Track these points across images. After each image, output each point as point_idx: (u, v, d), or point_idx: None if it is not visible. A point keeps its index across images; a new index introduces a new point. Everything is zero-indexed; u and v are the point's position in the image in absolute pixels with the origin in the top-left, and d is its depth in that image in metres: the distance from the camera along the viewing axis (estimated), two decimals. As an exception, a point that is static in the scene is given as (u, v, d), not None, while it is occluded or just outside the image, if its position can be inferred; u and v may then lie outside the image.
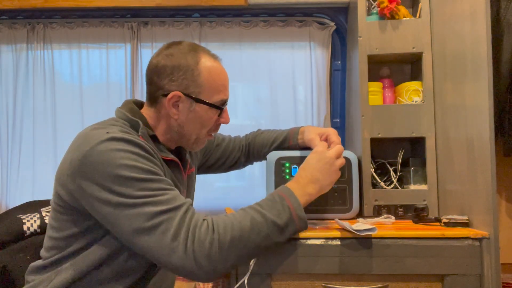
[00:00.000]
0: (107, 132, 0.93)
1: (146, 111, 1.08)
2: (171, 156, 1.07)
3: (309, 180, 1.03)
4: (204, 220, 0.91)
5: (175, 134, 1.08)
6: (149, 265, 1.01)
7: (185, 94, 1.03)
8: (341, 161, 1.08)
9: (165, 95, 1.03)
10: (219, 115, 1.09)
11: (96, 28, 1.84)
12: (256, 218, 0.92)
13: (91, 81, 1.87)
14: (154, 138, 1.05)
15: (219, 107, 1.07)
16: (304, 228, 0.98)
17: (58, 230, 0.98)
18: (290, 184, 1.03)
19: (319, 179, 1.04)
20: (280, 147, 1.32)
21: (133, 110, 1.07)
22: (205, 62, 1.05)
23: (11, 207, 1.54)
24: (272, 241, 0.94)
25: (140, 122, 1.02)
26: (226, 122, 1.12)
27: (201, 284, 1.60)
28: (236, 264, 0.93)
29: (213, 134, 1.15)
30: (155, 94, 1.05)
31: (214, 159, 1.37)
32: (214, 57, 1.08)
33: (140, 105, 1.12)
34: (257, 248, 0.92)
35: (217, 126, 1.12)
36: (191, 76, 1.03)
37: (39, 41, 1.83)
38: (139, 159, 0.91)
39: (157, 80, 1.04)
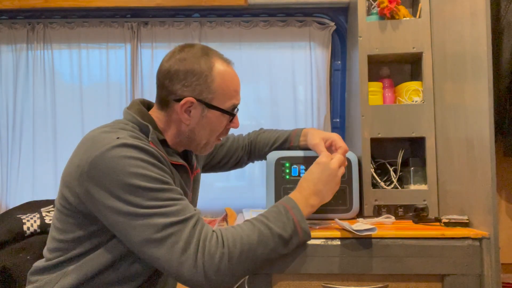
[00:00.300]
0: (118, 138, 0.92)
1: (156, 114, 1.07)
2: (180, 161, 1.07)
3: (312, 191, 1.04)
4: (213, 232, 0.91)
5: (185, 139, 1.07)
6: (154, 270, 1.01)
7: (198, 100, 1.02)
8: (342, 171, 1.10)
9: (177, 100, 1.02)
10: (231, 120, 1.09)
11: (96, 28, 1.84)
12: (263, 231, 0.93)
13: (91, 81, 1.87)
14: (163, 142, 1.05)
15: (232, 113, 1.07)
16: (307, 239, 1.00)
17: (62, 232, 0.97)
18: (293, 195, 1.03)
19: (321, 191, 1.05)
20: (281, 147, 1.32)
21: (142, 112, 1.05)
22: (219, 67, 1.03)
23: (11, 207, 1.54)
24: (277, 254, 0.95)
25: (150, 126, 1.01)
26: (236, 127, 1.12)
27: None
28: (241, 277, 0.94)
29: (221, 138, 1.15)
30: (167, 98, 1.03)
31: (218, 158, 1.37)
32: (227, 61, 1.07)
33: (147, 105, 1.11)
34: (263, 261, 0.93)
35: (226, 131, 1.12)
36: (204, 82, 1.02)
37: (39, 41, 1.83)
38: (150, 168, 0.91)
39: (169, 85, 1.02)
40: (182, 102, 1.01)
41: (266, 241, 0.92)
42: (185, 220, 0.89)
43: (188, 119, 1.03)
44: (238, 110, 1.11)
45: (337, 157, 1.09)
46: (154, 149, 0.95)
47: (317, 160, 1.09)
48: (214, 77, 1.02)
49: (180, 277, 0.89)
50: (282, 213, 0.97)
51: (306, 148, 1.26)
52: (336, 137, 1.18)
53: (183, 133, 1.06)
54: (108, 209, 0.89)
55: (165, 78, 1.03)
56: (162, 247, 0.87)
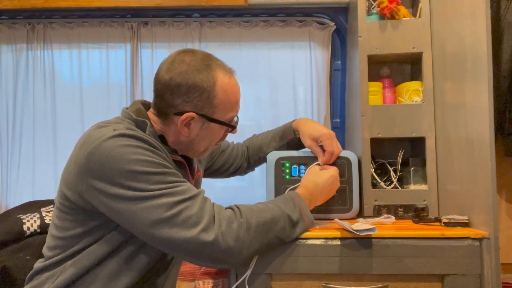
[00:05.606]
0: (114, 129, 0.92)
1: (153, 118, 1.05)
2: (179, 157, 1.06)
3: (315, 198, 1.09)
4: (226, 207, 0.93)
5: (183, 146, 1.07)
6: (156, 259, 1.00)
7: (199, 114, 1.01)
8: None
9: (178, 114, 1.00)
10: (231, 130, 1.10)
11: (96, 28, 1.83)
12: (275, 209, 0.96)
13: (91, 81, 1.87)
14: (162, 139, 1.04)
15: (232, 125, 1.07)
16: (312, 226, 1.03)
17: (62, 229, 0.97)
18: (299, 190, 1.07)
19: (320, 199, 1.11)
20: (280, 144, 1.33)
21: (140, 111, 1.04)
22: (221, 81, 1.01)
23: (11, 207, 1.54)
24: (285, 235, 0.97)
25: (148, 121, 1.00)
26: (235, 133, 1.13)
27: (201, 284, 1.60)
28: (257, 252, 0.95)
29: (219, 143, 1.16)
30: (166, 110, 1.02)
31: (219, 165, 1.38)
32: (229, 72, 1.05)
33: (147, 106, 1.10)
34: (274, 239, 0.95)
35: (225, 137, 1.12)
36: (207, 98, 1.00)
37: (39, 41, 1.83)
38: (150, 154, 0.91)
39: (169, 98, 1.00)
40: (183, 117, 1.00)
41: (278, 218, 0.95)
42: (193, 197, 0.90)
43: (188, 132, 1.03)
44: (238, 119, 1.11)
45: (334, 169, 1.17)
46: (152, 140, 0.95)
47: (332, 171, 1.15)
48: (217, 92, 1.00)
49: (197, 254, 0.87)
50: (288, 200, 1.01)
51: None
52: (324, 138, 1.20)
53: (182, 142, 1.06)
54: (112, 198, 0.88)
55: (165, 91, 1.00)
56: (174, 225, 0.86)
